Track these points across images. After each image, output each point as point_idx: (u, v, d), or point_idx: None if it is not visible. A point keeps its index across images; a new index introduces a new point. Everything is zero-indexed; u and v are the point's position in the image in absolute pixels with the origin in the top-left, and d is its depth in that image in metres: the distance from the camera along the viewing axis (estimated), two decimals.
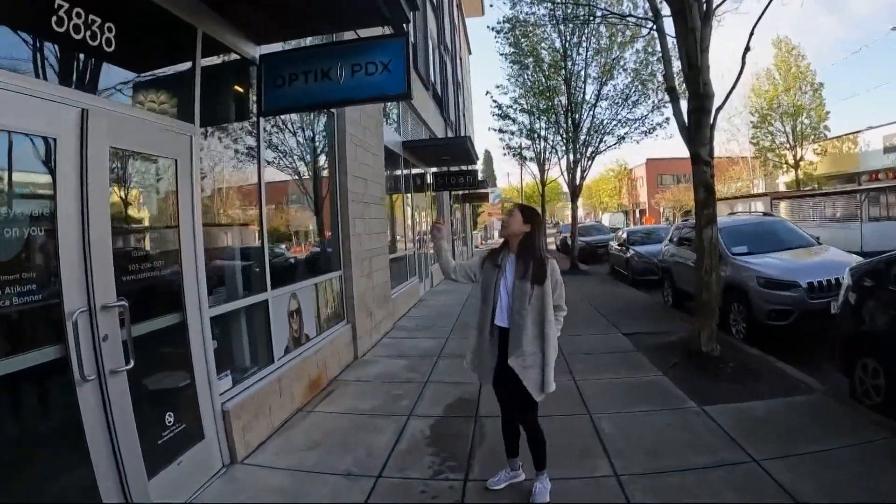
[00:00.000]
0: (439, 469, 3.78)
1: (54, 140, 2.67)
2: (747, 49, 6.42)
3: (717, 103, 6.19)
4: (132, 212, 3.29)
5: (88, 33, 2.87)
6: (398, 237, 11.66)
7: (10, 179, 2.53)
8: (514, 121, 19.32)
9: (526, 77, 17.96)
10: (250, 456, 4.04)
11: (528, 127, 19.55)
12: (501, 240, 3.43)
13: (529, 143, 20.57)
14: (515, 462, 3.55)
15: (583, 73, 16.55)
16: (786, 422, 4.29)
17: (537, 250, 3.26)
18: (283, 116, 5.51)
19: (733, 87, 6.48)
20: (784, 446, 3.82)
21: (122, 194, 3.22)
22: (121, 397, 2.92)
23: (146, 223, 3.39)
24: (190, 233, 3.62)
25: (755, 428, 4.19)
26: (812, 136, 30.92)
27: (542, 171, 22.45)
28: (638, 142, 27.56)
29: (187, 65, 3.75)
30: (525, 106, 18.74)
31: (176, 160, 3.54)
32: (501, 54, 17.77)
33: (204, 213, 3.90)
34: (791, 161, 31.14)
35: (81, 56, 2.93)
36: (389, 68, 4.18)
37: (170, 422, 3.34)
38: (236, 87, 4.60)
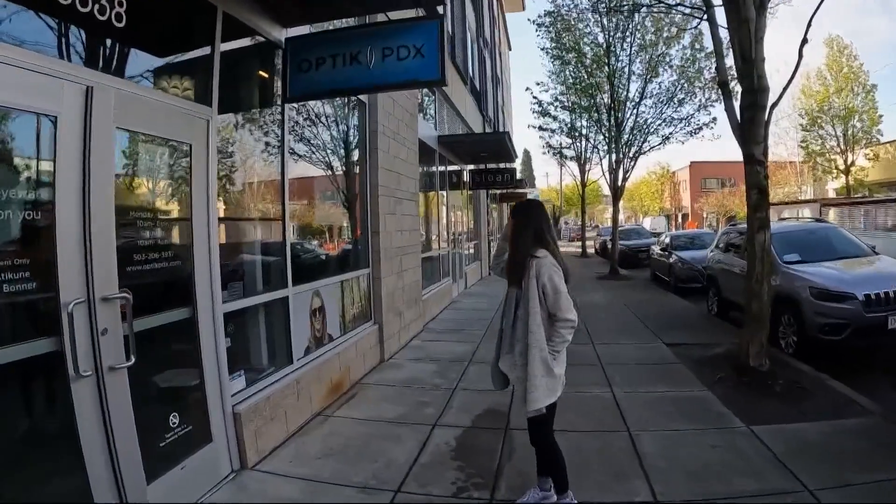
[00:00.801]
0: (463, 486, 3.51)
1: (55, 118, 2.52)
2: (804, 41, 5.99)
3: (772, 99, 5.79)
4: (141, 198, 3.12)
5: (97, 7, 2.70)
6: (432, 235, 11.44)
7: (5, 159, 2.38)
8: (554, 118, 18.97)
9: (567, 73, 17.56)
10: (262, 462, 3.84)
11: (569, 125, 19.17)
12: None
13: (570, 141, 20.19)
14: (546, 481, 3.24)
15: (626, 69, 16.06)
16: (840, 446, 3.90)
17: (514, 247, 3.01)
18: (310, 105, 5.33)
19: (790, 80, 6.05)
20: (839, 474, 3.45)
21: (131, 179, 3.06)
22: (119, 395, 2.75)
23: (156, 211, 3.21)
24: (204, 223, 3.44)
25: (807, 452, 3.81)
26: (864, 141, 29.44)
27: (582, 171, 22.03)
28: (683, 142, 26.72)
29: (205, 45, 3.57)
30: (566, 103, 18.34)
31: (191, 145, 3.36)
32: (542, 49, 17.42)
33: (223, 204, 3.74)
34: (841, 166, 29.77)
35: (88, 31, 2.77)
36: (422, 53, 3.93)
37: (174, 423, 3.16)
38: (259, 71, 4.44)
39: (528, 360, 2.87)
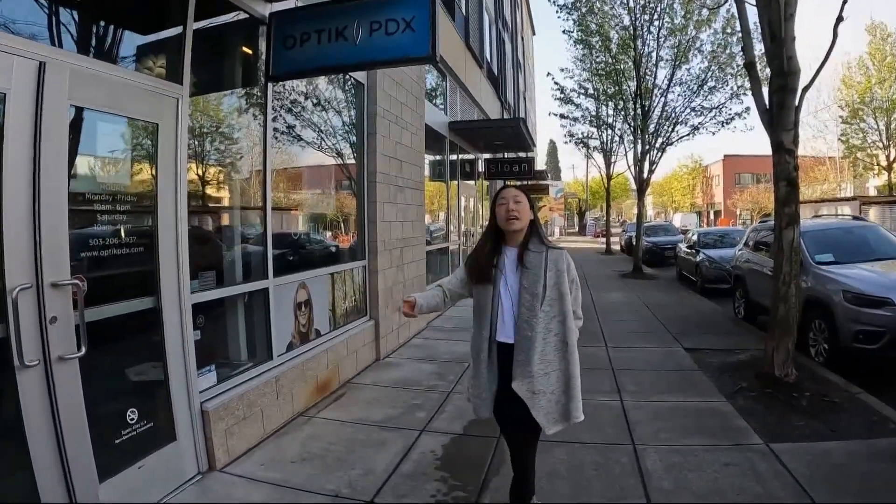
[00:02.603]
0: (443, 500, 3.41)
1: (4, 95, 2.49)
2: (839, 19, 5.73)
3: (803, 82, 5.55)
4: (101, 179, 3.09)
5: None
6: (441, 227, 11.35)
7: None
8: (577, 106, 18.78)
9: (592, 59, 17.37)
10: (232, 464, 3.80)
11: (594, 113, 18.97)
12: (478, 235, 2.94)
13: (594, 130, 20.02)
14: None
15: (654, 54, 15.87)
16: (870, 470, 3.68)
17: (545, 238, 2.79)
18: (301, 85, 5.27)
19: (824, 61, 5.79)
20: (867, 501, 3.27)
21: (90, 159, 3.02)
22: (69, 387, 2.72)
23: (118, 193, 3.15)
24: (171, 207, 3.39)
25: (832, 476, 3.60)
26: None
27: (607, 162, 21.83)
28: (714, 133, 26.38)
29: (177, 18, 3.50)
30: (590, 90, 18.15)
31: (158, 124, 3.31)
32: (564, 32, 17.26)
33: (196, 189, 3.69)
34: (883, 162, 28.99)
35: (43, 4, 2.74)
36: (413, 27, 3.81)
37: (132, 419, 3.12)
38: (241, 48, 4.38)
39: (567, 367, 2.67)
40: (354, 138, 6.55)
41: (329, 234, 6.39)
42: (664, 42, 15.72)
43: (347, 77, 6.21)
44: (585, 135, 20.78)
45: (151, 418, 3.26)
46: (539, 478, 3.57)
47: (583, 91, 18.58)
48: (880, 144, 29.14)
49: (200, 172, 4.10)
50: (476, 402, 2.82)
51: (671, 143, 16.61)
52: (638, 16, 15.49)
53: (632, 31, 15.67)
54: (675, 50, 15.68)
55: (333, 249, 6.22)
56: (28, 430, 2.55)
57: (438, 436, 4.39)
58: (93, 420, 2.83)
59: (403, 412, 4.92)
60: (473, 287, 2.83)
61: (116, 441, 3.03)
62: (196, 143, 4.01)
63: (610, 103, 17.97)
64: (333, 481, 3.61)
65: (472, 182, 14.75)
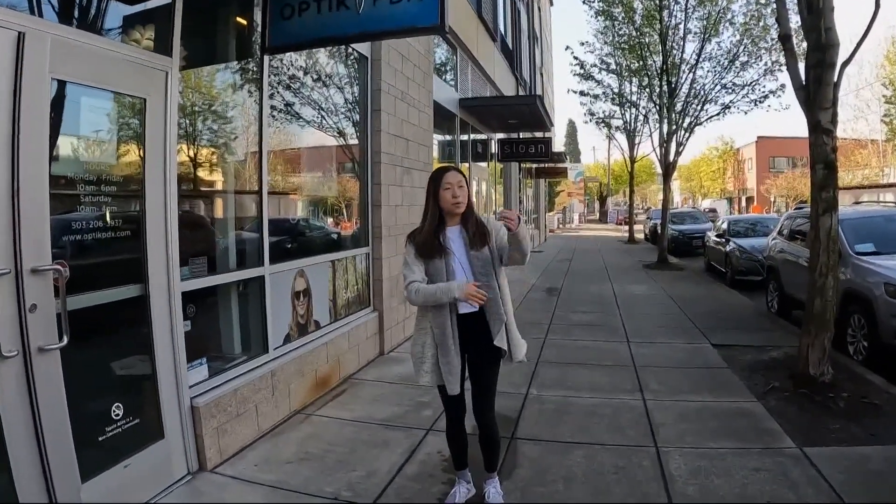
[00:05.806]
0: None
1: None
2: None
3: (843, 57, 5.43)
4: (85, 158, 3.07)
5: None
6: None
7: None
8: (598, 82, 18.64)
9: (614, 32, 17.20)
10: (224, 464, 3.82)
11: (616, 90, 18.81)
12: (423, 219, 3.17)
13: (616, 108, 19.88)
14: (467, 473, 3.46)
15: (682, 27, 15.70)
16: None
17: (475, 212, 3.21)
18: (301, 60, 5.24)
19: (865, 35, 5.66)
20: None
21: (72, 137, 3.00)
22: (50, 380, 2.72)
23: (103, 173, 3.13)
24: (160, 188, 3.39)
25: (871, 483, 3.56)
26: None
27: (631, 144, 21.68)
28: (746, 112, 25.93)
29: None
30: (613, 66, 17.99)
31: (145, 99, 3.30)
32: (585, 2, 17.08)
33: (187, 171, 3.67)
34: None
35: None
36: None
37: (117, 415, 3.13)
38: (234, 18, 4.37)
39: (507, 312, 3.13)
40: (357, 116, 6.51)
41: (330, 219, 6.38)
42: (692, 13, 15.57)
43: (350, 50, 6.17)
44: (607, 114, 20.71)
45: (138, 414, 3.27)
46: (555, 481, 3.64)
47: (604, 66, 18.50)
48: None
49: (192, 153, 4.08)
50: (450, 379, 3.06)
51: (700, 123, 16.50)
52: None
53: (657, 2, 15.49)
54: (705, 22, 15.52)
55: (334, 236, 6.21)
56: (5, 426, 2.55)
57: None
58: (75, 416, 2.83)
59: (409, 410, 4.92)
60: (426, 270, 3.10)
61: (100, 438, 3.04)
62: (187, 121, 3.99)
63: (633, 79, 17.89)
64: (333, 483, 3.62)
65: (484, 164, 14.70)
